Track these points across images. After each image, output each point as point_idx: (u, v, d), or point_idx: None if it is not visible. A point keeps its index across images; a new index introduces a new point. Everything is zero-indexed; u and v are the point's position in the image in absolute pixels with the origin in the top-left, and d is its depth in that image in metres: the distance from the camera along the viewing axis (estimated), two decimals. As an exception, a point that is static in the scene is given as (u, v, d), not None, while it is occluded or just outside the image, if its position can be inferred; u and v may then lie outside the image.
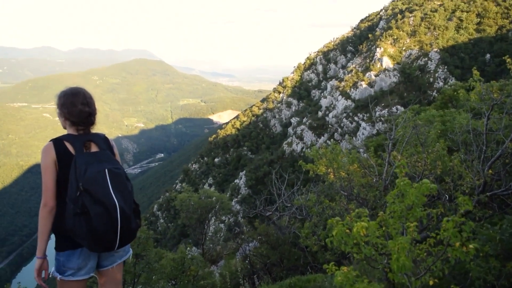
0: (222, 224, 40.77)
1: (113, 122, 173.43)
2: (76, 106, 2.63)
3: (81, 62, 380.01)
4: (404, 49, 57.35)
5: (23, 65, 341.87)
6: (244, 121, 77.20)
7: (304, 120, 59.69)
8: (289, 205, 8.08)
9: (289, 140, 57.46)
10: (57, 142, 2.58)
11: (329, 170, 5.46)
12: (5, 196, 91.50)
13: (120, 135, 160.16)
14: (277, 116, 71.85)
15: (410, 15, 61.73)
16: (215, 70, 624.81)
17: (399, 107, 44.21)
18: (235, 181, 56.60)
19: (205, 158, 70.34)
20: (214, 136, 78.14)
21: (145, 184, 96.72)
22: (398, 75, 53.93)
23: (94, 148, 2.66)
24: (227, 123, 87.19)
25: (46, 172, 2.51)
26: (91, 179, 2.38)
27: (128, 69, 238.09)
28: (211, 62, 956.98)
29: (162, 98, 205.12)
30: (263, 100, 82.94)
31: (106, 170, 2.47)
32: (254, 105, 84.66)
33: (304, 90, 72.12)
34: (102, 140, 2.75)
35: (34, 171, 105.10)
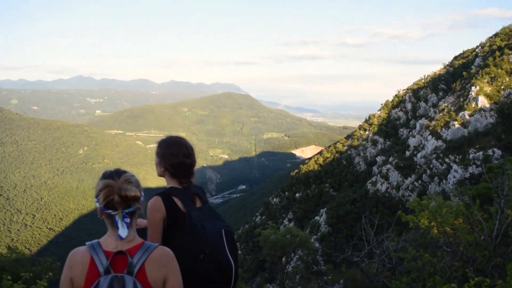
0: (299, 262, 40.06)
1: (199, 152, 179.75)
2: (178, 157, 2.53)
3: (173, 94, 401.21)
4: (503, 88, 53.55)
5: (121, 95, 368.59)
6: (327, 157, 76.19)
7: (390, 159, 57.58)
8: (378, 251, 7.69)
9: (373, 179, 55.56)
10: (166, 197, 2.41)
11: (432, 223, 5.11)
12: (97, 216, 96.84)
13: (205, 165, 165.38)
14: (361, 154, 70.10)
15: (510, 52, 57.96)
16: (300, 105, 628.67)
17: (495, 149, 41.18)
18: (315, 218, 55.56)
19: (286, 193, 70.05)
20: (296, 170, 77.75)
21: (226, 214, 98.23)
22: (496, 115, 50.34)
23: (198, 203, 2.56)
24: (310, 159, 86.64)
25: (154, 229, 2.36)
26: (211, 240, 2.27)
27: (216, 102, 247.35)
28: (297, 96, 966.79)
29: (247, 131, 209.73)
30: (347, 137, 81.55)
31: (223, 231, 2.36)
32: (338, 141, 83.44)
33: (391, 128, 69.89)
34: (202, 192, 2.67)
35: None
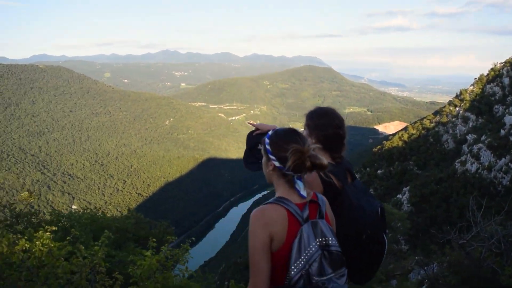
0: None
1: (279, 125, 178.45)
2: (332, 127, 2.37)
3: (255, 67, 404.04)
4: None
5: (205, 68, 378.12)
6: (412, 134, 72.81)
7: (483, 138, 53.51)
8: (486, 235, 6.91)
9: (462, 158, 52.12)
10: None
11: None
12: (181, 184, 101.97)
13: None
14: (450, 131, 65.99)
15: None
16: (385, 79, 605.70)
17: None
18: (397, 196, 53.57)
19: (368, 169, 68.17)
20: (379, 146, 75.32)
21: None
22: None
23: (349, 179, 2.35)
24: (394, 135, 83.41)
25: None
26: (370, 219, 2.11)
27: (297, 75, 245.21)
28: (381, 70, 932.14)
29: (328, 104, 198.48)
30: (435, 113, 77.13)
31: (379, 209, 2.18)
32: (425, 117, 79.26)
33: (484, 105, 64.73)
34: (352, 167, 2.46)
35: (206, 165, 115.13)
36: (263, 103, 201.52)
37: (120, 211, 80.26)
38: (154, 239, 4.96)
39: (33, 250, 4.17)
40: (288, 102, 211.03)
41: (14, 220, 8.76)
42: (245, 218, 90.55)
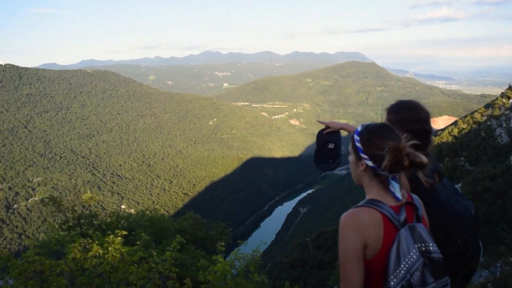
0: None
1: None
2: (418, 122, 2.15)
3: (296, 65, 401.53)
4: None
5: (247, 68, 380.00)
6: (463, 128, 69.64)
7: (541, 130, 50.65)
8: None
9: (518, 152, 49.52)
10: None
11: None
12: (226, 183, 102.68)
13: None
14: (504, 125, 62.65)
15: None
16: (431, 72, 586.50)
17: None
18: (450, 193, 51.55)
19: (416, 165, 65.99)
20: (427, 142, 72.44)
21: (350, 187, 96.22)
22: None
23: (436, 176, 2.13)
24: (443, 130, 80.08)
25: None
26: (463, 222, 1.95)
27: (340, 72, 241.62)
28: (427, 63, 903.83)
29: (372, 100, 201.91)
30: (487, 106, 73.53)
31: (473, 210, 2.01)
32: (476, 111, 75.90)
33: (542, 95, 61.30)
34: (438, 164, 2.23)
35: (250, 164, 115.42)
36: (306, 101, 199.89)
37: (167, 211, 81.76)
38: (223, 243, 4.89)
39: (106, 256, 4.16)
40: (331, 99, 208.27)
41: (76, 221, 8.91)
42: (290, 217, 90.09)
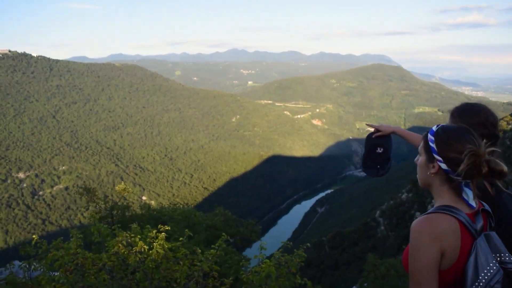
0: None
1: (345, 124, 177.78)
2: (486, 127, 2.09)
3: (322, 66, 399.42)
4: None
5: (272, 67, 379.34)
6: (487, 135, 68.93)
7: None
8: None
9: (542, 161, 49.13)
10: None
11: None
12: (246, 180, 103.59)
13: (350, 138, 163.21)
14: (529, 133, 62.23)
15: None
16: (458, 78, 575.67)
17: None
18: (468, 199, 51.39)
19: (436, 170, 65.64)
20: (449, 148, 71.90)
21: (369, 189, 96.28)
22: None
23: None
24: (466, 135, 79.20)
25: None
26: None
27: (365, 74, 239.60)
28: (454, 69, 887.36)
29: (396, 104, 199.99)
30: (513, 114, 72.63)
31: None
32: (502, 118, 75.03)
33: None
34: None
35: (271, 162, 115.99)
36: (329, 101, 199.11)
37: (186, 204, 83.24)
38: (265, 242, 4.93)
39: (150, 252, 4.05)
40: (355, 101, 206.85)
41: (108, 212, 9.30)
42: (308, 216, 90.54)
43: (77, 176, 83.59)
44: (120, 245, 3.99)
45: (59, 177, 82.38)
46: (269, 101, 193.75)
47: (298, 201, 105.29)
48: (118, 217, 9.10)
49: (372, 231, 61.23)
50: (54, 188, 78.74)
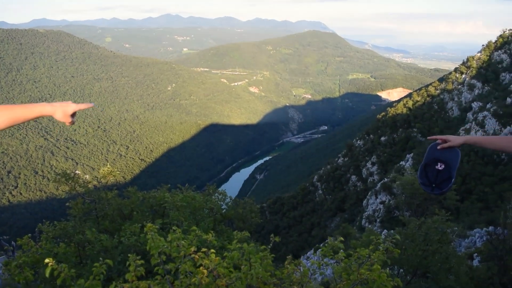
0: (382, 205, 39.34)
1: (282, 92, 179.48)
2: None
3: (258, 32, 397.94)
4: None
5: (207, 33, 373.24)
6: (417, 101, 72.15)
7: (488, 105, 53.04)
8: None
9: (467, 126, 51.84)
10: None
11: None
12: (184, 150, 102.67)
13: (287, 104, 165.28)
14: (455, 99, 65.34)
15: None
16: (389, 45, 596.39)
17: None
18: (400, 163, 53.71)
19: (371, 136, 68.07)
20: (382, 113, 74.93)
21: (307, 154, 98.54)
22: None
23: None
24: (398, 101, 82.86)
25: None
26: None
27: (301, 41, 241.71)
28: (386, 36, 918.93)
29: (331, 71, 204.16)
30: (441, 80, 76.22)
31: None
32: (430, 84, 78.43)
33: (491, 72, 63.73)
34: None
35: (209, 130, 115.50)
36: (266, 68, 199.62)
37: (123, 177, 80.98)
38: (277, 237, 4.06)
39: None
40: (291, 68, 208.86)
41: (93, 204, 8.13)
42: (247, 183, 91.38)
43: (2, 153, 78.44)
44: (204, 271, 2.76)
45: (-19, 154, 77.08)
46: (206, 69, 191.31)
47: (237, 169, 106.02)
48: (101, 209, 7.88)
49: (311, 195, 62.93)
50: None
